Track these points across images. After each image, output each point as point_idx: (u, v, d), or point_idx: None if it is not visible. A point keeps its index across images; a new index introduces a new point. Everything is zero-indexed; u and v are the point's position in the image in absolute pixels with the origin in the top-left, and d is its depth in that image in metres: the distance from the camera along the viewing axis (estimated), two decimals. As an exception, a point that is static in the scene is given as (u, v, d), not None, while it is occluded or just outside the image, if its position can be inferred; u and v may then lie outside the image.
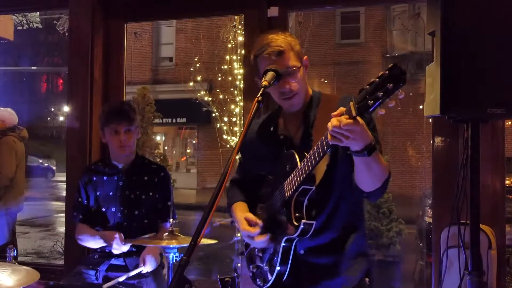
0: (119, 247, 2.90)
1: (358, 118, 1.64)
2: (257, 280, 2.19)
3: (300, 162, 1.95)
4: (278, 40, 2.05)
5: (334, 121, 1.67)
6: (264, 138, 2.23)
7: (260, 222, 2.08)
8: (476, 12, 2.21)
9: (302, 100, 2.12)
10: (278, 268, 2.05)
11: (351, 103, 1.64)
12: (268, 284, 2.11)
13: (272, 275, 2.07)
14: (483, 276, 2.29)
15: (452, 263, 2.62)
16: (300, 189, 1.96)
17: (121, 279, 2.80)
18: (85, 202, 3.13)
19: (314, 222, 1.96)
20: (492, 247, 2.69)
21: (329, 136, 1.71)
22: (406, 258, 7.31)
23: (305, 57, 2.12)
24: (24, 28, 26.92)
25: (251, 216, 2.13)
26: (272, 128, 2.21)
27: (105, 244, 2.98)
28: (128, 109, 3.11)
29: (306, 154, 1.93)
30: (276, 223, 2.07)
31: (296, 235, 1.96)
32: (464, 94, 2.19)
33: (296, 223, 1.96)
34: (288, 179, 2.00)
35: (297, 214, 1.97)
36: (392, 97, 1.55)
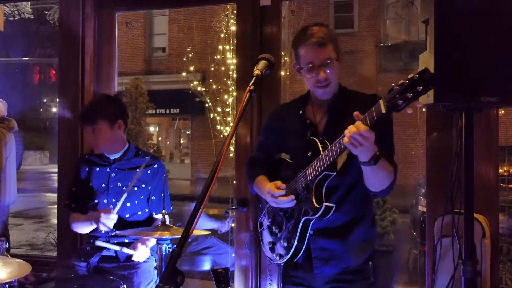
0: (108, 221, 2.84)
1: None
2: (273, 255, 2.37)
3: (323, 150, 2.13)
4: (321, 32, 2.22)
5: (352, 128, 1.87)
6: (291, 119, 2.40)
7: (284, 186, 2.26)
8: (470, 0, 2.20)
9: (333, 90, 2.29)
10: (295, 245, 2.22)
11: (381, 101, 1.82)
12: (284, 259, 2.29)
13: (289, 251, 2.25)
14: (476, 265, 2.29)
15: (446, 252, 2.62)
16: (323, 174, 2.13)
17: (112, 246, 2.85)
18: (78, 191, 3.12)
19: (334, 205, 2.13)
20: (486, 236, 2.70)
21: (346, 139, 1.90)
22: (400, 247, 7.34)
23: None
24: (16, 18, 26.67)
25: (278, 182, 2.29)
26: (301, 111, 2.37)
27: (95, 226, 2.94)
28: (90, 109, 3.05)
29: (327, 143, 2.14)
30: (297, 204, 2.23)
31: (317, 216, 2.14)
32: (458, 82, 2.18)
33: (317, 205, 2.13)
34: (311, 165, 2.17)
35: (317, 197, 2.14)
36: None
